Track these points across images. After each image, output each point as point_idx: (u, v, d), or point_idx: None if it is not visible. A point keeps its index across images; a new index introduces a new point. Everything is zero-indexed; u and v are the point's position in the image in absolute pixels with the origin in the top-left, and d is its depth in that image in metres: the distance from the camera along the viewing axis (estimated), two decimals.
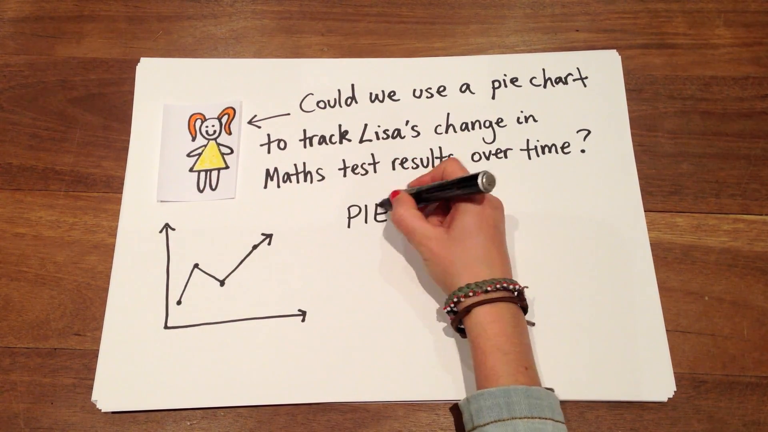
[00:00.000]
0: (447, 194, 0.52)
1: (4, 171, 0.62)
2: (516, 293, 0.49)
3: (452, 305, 0.49)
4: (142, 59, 0.66)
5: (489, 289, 0.47)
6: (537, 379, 0.47)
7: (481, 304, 0.47)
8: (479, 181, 0.48)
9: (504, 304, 0.48)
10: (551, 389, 0.47)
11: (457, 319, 0.50)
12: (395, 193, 0.56)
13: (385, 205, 0.59)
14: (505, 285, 0.48)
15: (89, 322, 0.57)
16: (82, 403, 0.54)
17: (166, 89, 0.65)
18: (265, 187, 0.61)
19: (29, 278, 0.58)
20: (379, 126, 0.64)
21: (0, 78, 0.66)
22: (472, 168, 0.62)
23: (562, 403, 0.54)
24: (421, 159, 0.62)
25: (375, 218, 0.60)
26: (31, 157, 0.63)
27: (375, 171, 0.62)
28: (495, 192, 0.50)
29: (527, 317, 0.51)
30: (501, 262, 0.50)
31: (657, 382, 0.54)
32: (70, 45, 0.68)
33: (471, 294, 0.48)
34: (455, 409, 0.49)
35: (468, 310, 0.48)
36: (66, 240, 0.60)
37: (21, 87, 0.66)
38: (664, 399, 0.54)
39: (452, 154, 0.62)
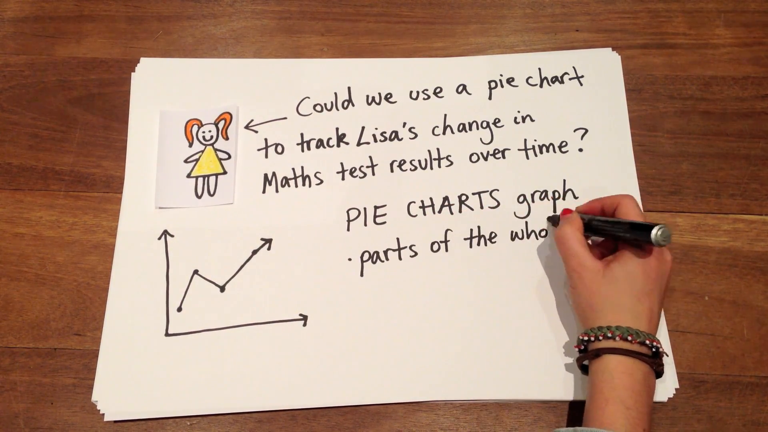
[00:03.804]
0: (617, 233, 0.50)
1: (4, 171, 0.62)
2: (654, 351, 0.47)
3: (586, 341, 0.47)
4: (142, 59, 0.66)
5: (629, 338, 0.46)
6: None
7: (615, 352, 0.46)
8: (653, 234, 0.46)
9: (639, 361, 0.46)
10: None
11: (585, 358, 0.48)
12: (567, 211, 0.55)
13: (553, 220, 0.58)
14: (646, 342, 0.46)
15: (89, 322, 0.57)
16: (82, 403, 0.54)
17: (163, 93, 0.65)
18: (264, 191, 0.61)
19: (29, 278, 0.58)
20: (376, 128, 0.64)
21: (0, 78, 0.66)
22: (470, 170, 0.62)
23: (563, 403, 0.54)
24: (420, 161, 0.62)
25: (374, 221, 0.60)
26: (31, 157, 0.63)
27: (373, 174, 0.62)
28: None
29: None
30: (649, 317, 0.48)
31: (657, 382, 0.54)
32: (70, 45, 0.68)
33: (609, 335, 0.46)
34: None
35: (598, 353, 0.46)
36: (66, 240, 0.60)
37: (21, 87, 0.66)
38: (664, 399, 0.54)
39: (450, 156, 0.62)
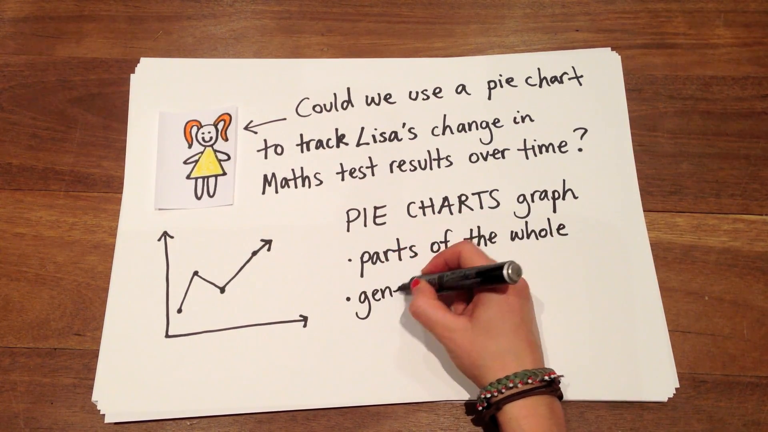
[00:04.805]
0: (470, 284, 0.50)
1: (4, 171, 0.62)
2: (549, 382, 0.47)
3: (489, 398, 0.47)
4: (142, 59, 0.66)
5: (520, 384, 0.46)
6: None
7: (513, 399, 0.46)
8: (505, 273, 0.46)
9: (538, 396, 0.46)
10: None
11: (488, 415, 0.48)
12: (416, 281, 0.54)
13: (405, 288, 0.57)
14: (545, 378, 0.46)
15: (89, 322, 0.57)
16: (82, 403, 0.54)
17: (163, 94, 0.65)
18: (263, 192, 0.61)
19: (29, 278, 0.58)
20: (375, 129, 0.64)
21: (0, 78, 0.66)
22: (470, 170, 0.62)
23: (563, 403, 0.54)
24: (419, 161, 0.62)
25: (374, 221, 0.60)
26: (31, 157, 0.63)
27: (373, 174, 0.62)
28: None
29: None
30: (530, 351, 0.47)
31: (657, 382, 0.54)
32: (70, 45, 0.68)
33: (503, 390, 0.46)
34: None
35: (499, 406, 0.46)
36: (66, 240, 0.60)
37: (21, 87, 0.66)
38: (665, 399, 0.54)
39: (450, 156, 0.62)
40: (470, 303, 0.51)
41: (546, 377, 0.46)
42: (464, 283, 0.50)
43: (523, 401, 0.46)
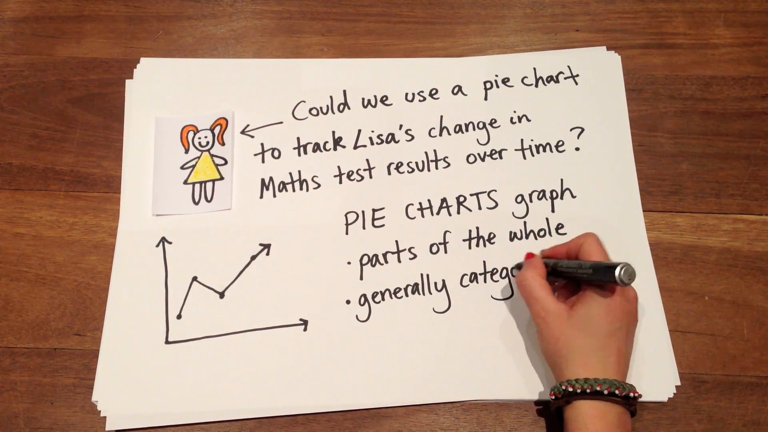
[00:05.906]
0: (581, 276, 0.49)
1: (4, 171, 0.62)
2: (627, 398, 0.46)
3: (567, 391, 0.47)
4: (142, 59, 0.66)
5: (606, 391, 0.45)
6: None
7: (586, 397, 0.46)
8: (617, 274, 0.45)
9: (611, 403, 0.46)
10: None
11: (556, 405, 0.48)
12: (529, 255, 0.55)
13: (520, 267, 0.56)
14: (624, 392, 0.46)
15: (89, 322, 0.57)
16: (82, 403, 0.54)
17: (160, 96, 0.64)
18: (261, 196, 0.61)
19: (29, 278, 0.58)
20: (372, 131, 0.63)
21: (0, 78, 0.66)
22: (468, 171, 0.62)
23: None
24: (417, 163, 0.62)
25: (373, 224, 0.60)
26: (31, 157, 0.63)
27: (371, 176, 0.62)
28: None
29: None
30: (617, 362, 0.47)
31: (657, 382, 0.54)
32: (70, 45, 0.68)
33: (588, 390, 0.45)
34: None
35: (569, 400, 0.46)
36: (66, 240, 0.60)
37: (21, 87, 0.66)
38: (665, 399, 0.54)
39: (448, 157, 0.62)
40: (574, 296, 0.51)
41: (631, 394, 0.46)
42: (576, 273, 0.50)
43: (596, 402, 0.46)
